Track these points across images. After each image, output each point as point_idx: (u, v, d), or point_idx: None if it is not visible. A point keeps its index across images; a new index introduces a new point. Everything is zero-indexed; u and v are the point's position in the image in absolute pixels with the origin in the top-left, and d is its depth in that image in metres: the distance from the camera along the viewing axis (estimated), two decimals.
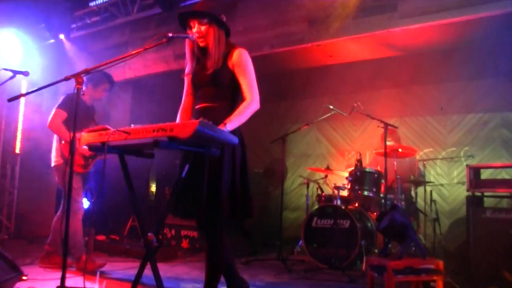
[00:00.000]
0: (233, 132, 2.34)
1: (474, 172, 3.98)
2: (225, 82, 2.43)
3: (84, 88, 4.06)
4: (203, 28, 2.42)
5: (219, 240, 2.38)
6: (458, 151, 5.53)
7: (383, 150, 4.38)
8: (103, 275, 3.78)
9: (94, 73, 4.16)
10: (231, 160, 2.38)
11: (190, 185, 2.32)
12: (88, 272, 3.75)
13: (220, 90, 2.44)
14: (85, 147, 2.31)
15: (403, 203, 4.58)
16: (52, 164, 4.01)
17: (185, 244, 5.29)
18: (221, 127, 2.16)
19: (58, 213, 3.95)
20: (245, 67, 2.44)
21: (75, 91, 2.32)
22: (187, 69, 2.57)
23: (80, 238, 3.88)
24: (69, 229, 3.80)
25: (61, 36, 6.42)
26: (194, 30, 2.43)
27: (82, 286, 2.38)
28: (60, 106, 3.91)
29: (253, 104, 2.40)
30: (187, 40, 2.51)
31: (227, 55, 2.45)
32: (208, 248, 2.39)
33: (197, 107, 2.52)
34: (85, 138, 2.28)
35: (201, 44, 2.45)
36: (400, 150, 4.66)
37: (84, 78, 4.15)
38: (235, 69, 2.44)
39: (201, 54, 2.51)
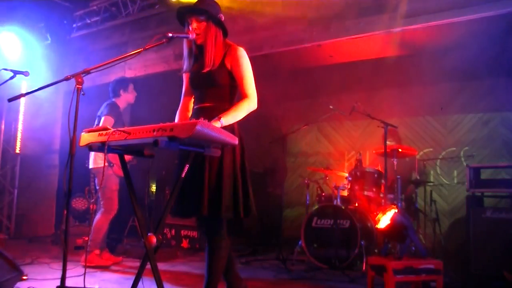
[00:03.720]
0: (233, 132, 2.34)
1: (474, 172, 3.98)
2: (223, 82, 2.42)
3: (116, 97, 4.43)
4: (200, 25, 2.42)
5: (220, 240, 2.37)
6: (458, 151, 5.53)
7: (383, 150, 4.38)
8: (103, 275, 3.78)
9: (117, 80, 4.51)
10: (232, 159, 2.38)
11: (191, 185, 2.32)
12: (91, 267, 3.90)
13: (218, 90, 2.44)
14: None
15: (403, 203, 4.58)
16: (91, 166, 4.29)
17: (185, 244, 5.29)
18: (215, 121, 2.16)
19: (98, 213, 4.22)
20: (242, 66, 2.42)
21: (75, 91, 2.31)
22: (184, 67, 2.57)
23: (101, 235, 4.16)
24: (96, 224, 4.09)
25: (61, 37, 6.43)
26: (192, 26, 2.42)
27: (82, 286, 2.38)
28: (108, 114, 4.21)
29: (250, 103, 2.39)
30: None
31: (225, 55, 2.44)
32: (208, 248, 2.38)
33: (195, 107, 2.51)
34: (85, 138, 2.28)
35: (198, 41, 2.44)
36: (400, 150, 4.66)
37: (111, 90, 4.42)
38: (232, 69, 2.43)
39: (198, 52, 2.51)
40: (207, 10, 2.41)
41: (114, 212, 4.24)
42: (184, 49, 2.54)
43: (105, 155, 2.15)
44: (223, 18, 2.48)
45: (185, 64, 2.56)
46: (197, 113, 2.44)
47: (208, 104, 2.43)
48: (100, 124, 4.13)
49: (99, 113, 4.32)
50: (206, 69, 2.41)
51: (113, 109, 4.29)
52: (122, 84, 4.49)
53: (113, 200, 4.22)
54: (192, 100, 2.62)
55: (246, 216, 2.39)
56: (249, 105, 2.38)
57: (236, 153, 2.40)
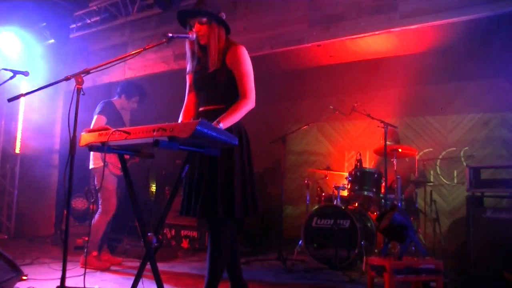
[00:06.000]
0: (240, 132, 2.34)
1: (474, 172, 3.98)
2: (225, 83, 2.41)
3: (116, 97, 4.41)
4: (203, 27, 2.41)
5: (223, 240, 2.37)
6: (458, 151, 5.52)
7: (382, 150, 4.38)
8: (103, 275, 3.78)
9: (128, 85, 4.46)
10: (240, 159, 2.37)
11: (199, 185, 2.31)
12: (90, 269, 3.87)
13: (221, 92, 2.43)
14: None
15: (403, 203, 4.57)
16: (91, 167, 4.23)
17: (185, 244, 5.29)
18: (214, 125, 2.15)
19: (96, 214, 4.16)
20: (241, 64, 2.40)
21: (75, 91, 2.31)
22: (188, 68, 2.57)
23: (99, 236, 4.10)
24: (94, 226, 4.06)
25: (61, 37, 6.43)
26: (194, 29, 2.42)
27: (82, 286, 2.38)
28: (100, 113, 4.16)
29: (248, 102, 2.37)
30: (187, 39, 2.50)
31: (225, 53, 2.43)
32: (211, 247, 2.37)
33: (200, 109, 2.50)
34: (85, 138, 2.28)
35: (201, 42, 2.44)
36: (400, 150, 4.66)
37: (118, 88, 4.39)
38: (232, 66, 2.41)
39: (201, 53, 2.50)
40: (208, 12, 2.40)
41: (112, 212, 4.18)
42: (186, 50, 2.54)
43: (104, 155, 2.15)
44: (224, 16, 2.48)
45: (189, 66, 2.55)
46: (203, 116, 2.41)
47: (212, 107, 2.42)
48: (92, 123, 4.09)
49: (94, 113, 4.28)
50: (211, 69, 2.41)
51: (107, 108, 4.21)
52: (130, 90, 4.41)
53: (110, 201, 4.16)
54: (196, 100, 2.61)
55: (254, 215, 2.40)
56: (246, 105, 2.37)
57: (243, 153, 2.40)
